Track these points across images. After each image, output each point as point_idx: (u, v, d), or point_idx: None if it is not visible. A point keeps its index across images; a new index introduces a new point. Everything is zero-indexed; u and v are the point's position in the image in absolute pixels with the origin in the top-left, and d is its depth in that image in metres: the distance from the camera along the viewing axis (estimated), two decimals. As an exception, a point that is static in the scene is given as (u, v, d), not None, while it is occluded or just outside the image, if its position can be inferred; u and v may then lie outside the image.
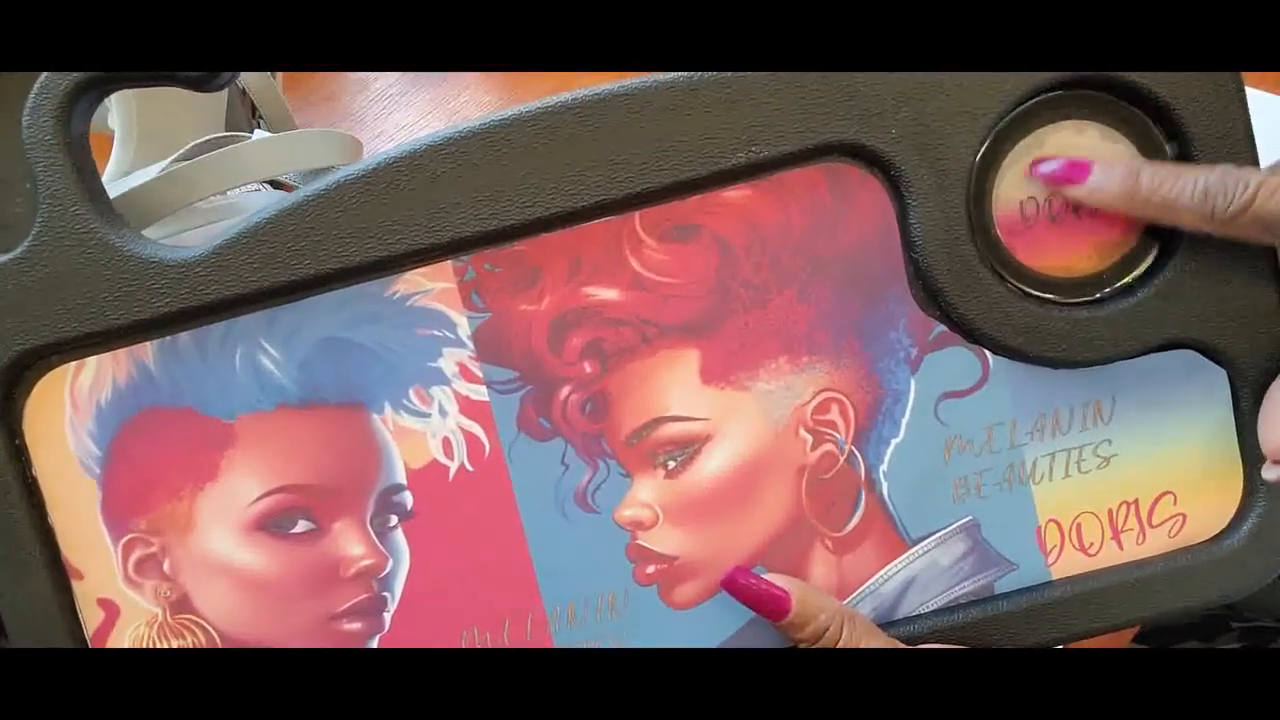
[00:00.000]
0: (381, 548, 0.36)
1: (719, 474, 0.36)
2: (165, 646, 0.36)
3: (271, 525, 0.36)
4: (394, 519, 0.36)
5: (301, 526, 0.36)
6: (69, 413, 0.35)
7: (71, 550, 0.36)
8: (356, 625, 0.36)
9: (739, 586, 0.35)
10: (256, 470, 0.35)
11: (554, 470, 0.36)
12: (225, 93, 0.54)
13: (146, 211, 0.44)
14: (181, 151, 0.47)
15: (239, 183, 0.46)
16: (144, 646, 0.36)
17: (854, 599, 0.36)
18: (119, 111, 0.52)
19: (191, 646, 0.36)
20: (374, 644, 0.37)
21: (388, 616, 0.36)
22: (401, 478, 0.36)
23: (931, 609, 0.37)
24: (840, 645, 0.35)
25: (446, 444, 0.36)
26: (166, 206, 0.45)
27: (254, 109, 0.58)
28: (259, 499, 0.36)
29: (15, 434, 0.35)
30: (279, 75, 0.60)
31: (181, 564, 0.36)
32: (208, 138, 0.48)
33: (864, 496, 0.36)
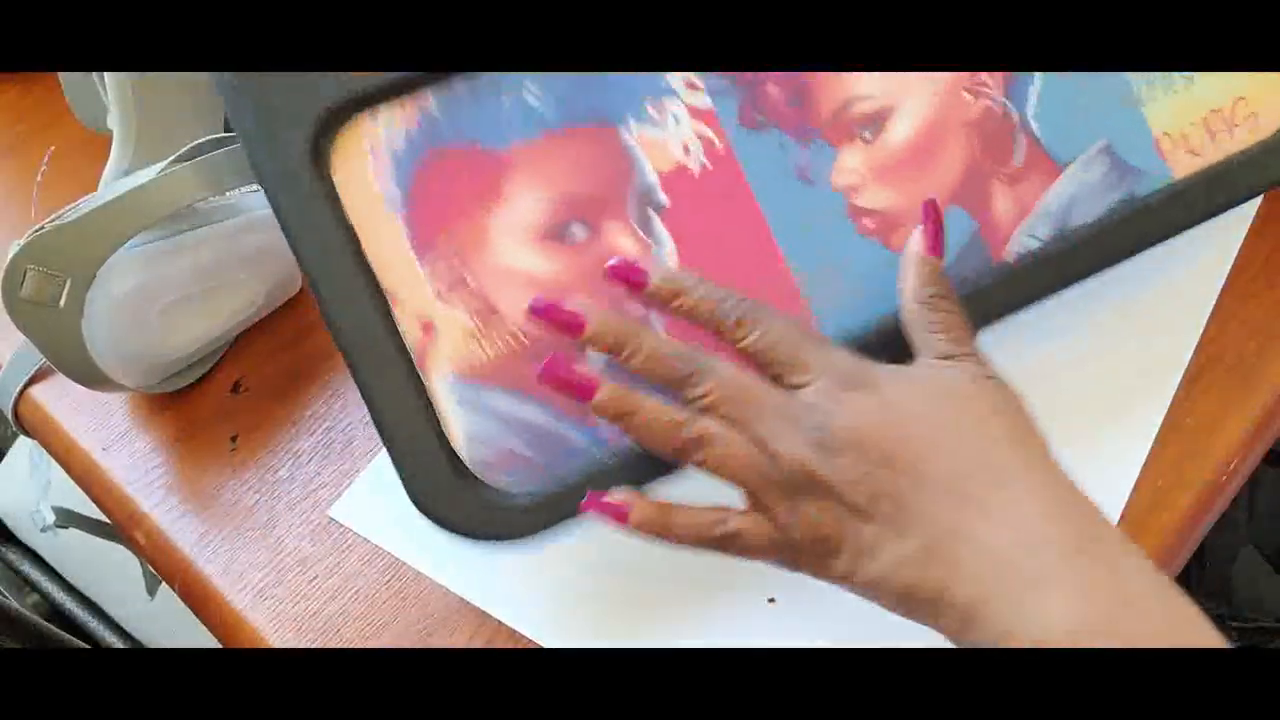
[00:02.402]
0: (646, 237, 0.42)
1: (906, 137, 0.44)
2: (482, 353, 0.41)
3: (554, 233, 0.42)
4: (653, 212, 0.42)
5: (578, 231, 0.42)
6: (370, 159, 0.41)
7: (387, 278, 0.41)
8: (638, 309, 0.42)
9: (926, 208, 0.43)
10: (534, 187, 0.42)
11: (775, 154, 0.43)
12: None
13: (146, 211, 0.47)
14: (181, 151, 0.49)
15: (239, 184, 0.49)
16: (462, 355, 0.41)
17: (1033, 218, 0.44)
18: (119, 112, 0.52)
19: (504, 351, 0.41)
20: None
21: None
22: (654, 178, 0.42)
23: (1094, 218, 0.45)
24: None
25: (685, 147, 0.43)
26: (166, 206, 0.47)
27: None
28: (540, 210, 0.42)
29: (328, 180, 0.40)
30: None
31: (483, 278, 0.41)
32: (208, 138, 0.50)
33: (1021, 136, 0.45)
